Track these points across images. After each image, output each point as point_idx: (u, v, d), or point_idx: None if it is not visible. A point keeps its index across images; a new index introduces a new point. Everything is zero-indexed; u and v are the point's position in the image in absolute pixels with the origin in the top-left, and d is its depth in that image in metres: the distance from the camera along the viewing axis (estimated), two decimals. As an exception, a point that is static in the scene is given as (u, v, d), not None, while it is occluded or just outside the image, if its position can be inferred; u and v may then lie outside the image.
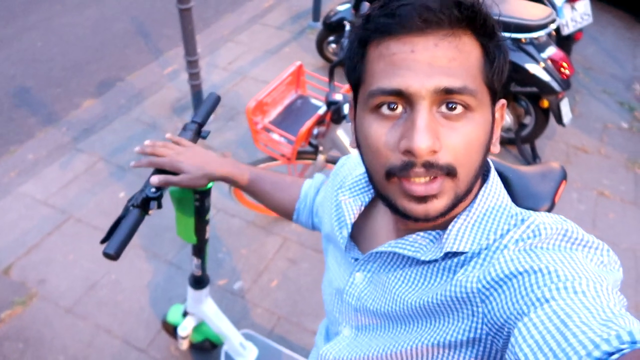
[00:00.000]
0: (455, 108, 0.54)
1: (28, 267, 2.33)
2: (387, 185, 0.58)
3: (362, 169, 0.76)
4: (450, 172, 0.55)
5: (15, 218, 2.54)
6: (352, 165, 0.82)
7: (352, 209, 0.73)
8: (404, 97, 0.54)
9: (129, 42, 4.06)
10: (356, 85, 0.61)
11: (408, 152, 0.53)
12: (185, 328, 1.74)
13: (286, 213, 1.03)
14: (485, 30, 0.55)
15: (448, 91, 0.53)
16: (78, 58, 3.84)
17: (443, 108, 0.54)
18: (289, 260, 2.43)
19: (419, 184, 0.55)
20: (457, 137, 0.54)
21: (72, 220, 2.55)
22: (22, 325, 2.10)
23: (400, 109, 0.55)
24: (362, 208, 0.74)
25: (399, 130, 0.55)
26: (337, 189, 0.80)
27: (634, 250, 2.60)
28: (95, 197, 2.68)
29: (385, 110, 0.56)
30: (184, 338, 1.80)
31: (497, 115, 0.62)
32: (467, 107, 0.54)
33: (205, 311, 1.69)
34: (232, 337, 1.80)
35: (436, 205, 0.56)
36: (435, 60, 0.52)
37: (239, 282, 2.33)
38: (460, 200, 0.58)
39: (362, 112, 0.59)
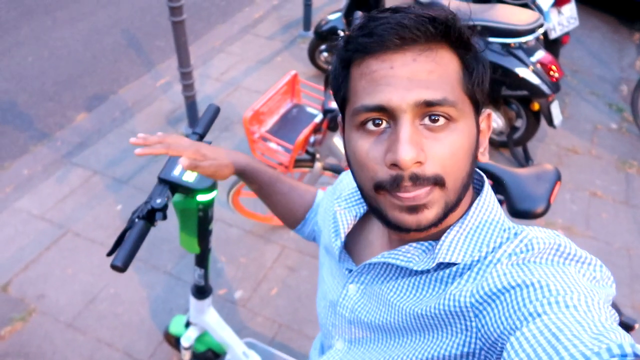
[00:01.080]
0: (437, 120, 0.55)
1: (26, 283, 2.32)
2: (377, 198, 0.59)
3: None
4: (437, 182, 0.56)
5: (11, 234, 2.53)
6: (350, 179, 0.83)
7: (346, 219, 0.74)
8: (387, 112, 0.55)
9: (120, 55, 4.07)
10: (342, 104, 0.63)
11: (394, 165, 0.55)
12: (189, 338, 1.74)
13: (294, 219, 1.00)
14: (461, 42, 0.57)
15: (428, 104, 0.54)
16: (70, 72, 3.84)
17: (426, 120, 0.56)
18: (288, 268, 2.44)
19: (408, 194, 0.56)
20: (441, 148, 0.55)
21: (69, 234, 2.55)
22: (22, 341, 2.09)
23: (384, 124, 0.57)
24: (357, 219, 0.75)
25: (384, 144, 0.56)
26: (335, 200, 0.80)
27: (628, 249, 2.64)
28: (92, 210, 2.68)
29: (370, 126, 0.57)
30: (186, 349, 1.80)
31: (482, 125, 0.63)
32: (449, 119, 0.56)
33: (208, 321, 1.70)
34: (235, 346, 1.80)
35: (427, 215, 0.57)
36: (414, 75, 0.54)
37: (239, 291, 2.33)
38: (451, 209, 0.59)
39: (349, 130, 0.61)
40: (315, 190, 1.01)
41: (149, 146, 0.90)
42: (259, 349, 1.93)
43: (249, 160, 0.97)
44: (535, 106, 2.83)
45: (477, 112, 0.60)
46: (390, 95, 0.54)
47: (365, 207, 0.75)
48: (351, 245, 0.77)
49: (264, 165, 0.99)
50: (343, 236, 0.73)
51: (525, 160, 3.13)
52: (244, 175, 0.97)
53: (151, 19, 4.55)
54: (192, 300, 1.63)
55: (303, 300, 2.30)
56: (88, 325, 2.16)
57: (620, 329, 0.46)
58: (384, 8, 0.58)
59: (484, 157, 0.64)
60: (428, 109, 0.55)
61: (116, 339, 2.12)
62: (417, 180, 0.55)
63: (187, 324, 1.80)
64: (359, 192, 0.75)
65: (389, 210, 0.59)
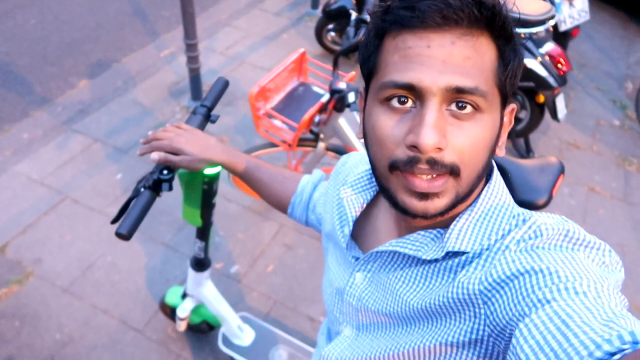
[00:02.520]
0: (464, 107, 0.54)
1: (24, 247, 2.32)
2: (389, 178, 0.58)
3: (365, 167, 0.76)
4: (453, 171, 0.55)
5: (10, 197, 2.53)
6: (354, 162, 0.82)
7: (354, 206, 0.72)
8: (415, 92, 0.54)
9: (125, 22, 4.01)
10: (369, 75, 0.61)
11: (414, 147, 0.54)
12: (185, 309, 1.76)
13: (281, 205, 1.02)
14: (503, 32, 0.55)
15: (459, 90, 0.53)
16: (73, 37, 3.79)
17: (453, 106, 0.54)
18: (285, 246, 2.45)
19: (422, 180, 0.55)
20: (463, 137, 0.54)
21: (68, 200, 2.55)
22: (18, 303, 2.11)
23: (410, 103, 0.55)
24: (364, 205, 0.73)
25: (407, 124, 0.55)
26: (340, 186, 0.79)
27: (622, 246, 2.67)
28: (91, 178, 2.67)
29: (395, 103, 0.56)
30: (182, 319, 1.82)
31: (505, 119, 0.62)
32: (476, 108, 0.54)
33: (205, 293, 1.71)
34: (230, 319, 1.82)
35: (437, 204, 0.56)
36: (450, 58, 0.52)
37: (235, 266, 2.35)
38: (462, 200, 0.58)
39: (372, 103, 0.59)
40: (299, 176, 1.02)
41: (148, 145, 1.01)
42: (253, 323, 1.96)
43: (228, 155, 1.00)
44: (541, 98, 2.82)
45: (504, 106, 0.59)
46: (423, 75, 0.53)
47: (372, 193, 0.73)
48: (358, 232, 0.75)
49: (244, 155, 1.02)
50: (351, 223, 0.72)
51: (527, 152, 3.14)
52: (225, 167, 1.01)
53: (157, -12, 4.48)
54: (191, 272, 1.64)
55: (299, 278, 2.32)
56: (84, 291, 2.18)
57: (630, 315, 0.45)
58: None
59: (501, 152, 0.62)
60: (457, 95, 0.53)
61: (112, 306, 2.14)
62: (434, 165, 0.54)
63: (184, 295, 1.82)
64: (365, 177, 0.74)
65: (399, 193, 0.58)
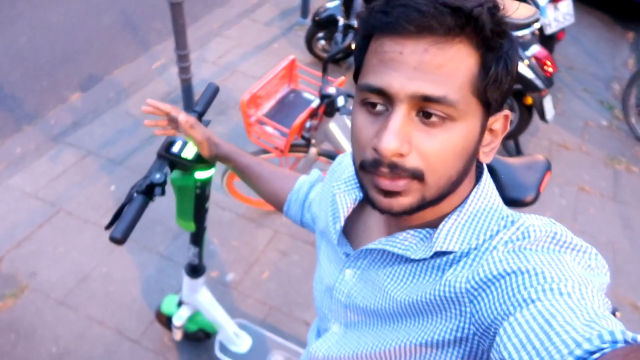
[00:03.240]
0: (431, 116, 0.54)
1: (18, 260, 2.32)
2: (362, 176, 0.60)
3: None
4: (416, 175, 0.55)
5: (4, 211, 2.53)
6: (349, 161, 0.83)
7: (346, 203, 0.73)
8: (386, 97, 0.55)
9: (117, 35, 4.04)
10: (356, 74, 0.62)
11: (375, 150, 0.55)
12: (181, 317, 1.77)
13: (278, 202, 1.04)
14: (482, 39, 0.53)
15: (426, 98, 0.52)
16: (65, 51, 3.80)
17: (421, 114, 0.54)
18: (279, 252, 2.46)
19: (385, 179, 0.56)
20: (430, 143, 0.54)
21: (62, 213, 2.55)
22: (13, 317, 2.10)
23: (381, 107, 0.56)
24: (356, 202, 0.74)
25: (376, 126, 0.56)
26: (334, 183, 0.81)
27: (612, 244, 2.69)
28: (85, 190, 2.68)
29: (370, 106, 0.57)
30: (178, 328, 1.82)
31: (496, 125, 0.61)
32: (445, 117, 0.54)
33: (201, 300, 1.72)
34: (226, 326, 1.83)
35: (401, 202, 0.57)
36: (421, 65, 0.52)
37: (230, 273, 2.35)
38: (430, 203, 0.58)
39: (355, 104, 0.61)
40: (298, 175, 1.04)
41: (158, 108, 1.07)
42: (250, 329, 1.96)
43: (234, 148, 1.06)
44: (529, 100, 2.87)
45: (488, 112, 0.58)
46: (392, 80, 0.53)
47: (363, 193, 0.75)
48: (349, 229, 0.76)
49: (247, 153, 1.06)
50: (343, 220, 0.73)
51: (517, 153, 3.17)
52: (227, 157, 1.05)
53: (149, 0, 4.51)
54: (186, 279, 1.65)
55: (294, 283, 2.33)
56: (79, 303, 2.18)
57: (612, 316, 0.47)
58: None
59: (487, 158, 0.61)
60: (424, 104, 0.53)
61: (107, 317, 2.14)
62: (395, 169, 0.55)
63: (179, 303, 1.82)
64: None
65: (369, 189, 0.59)
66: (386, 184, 0.56)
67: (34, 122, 3.14)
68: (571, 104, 3.73)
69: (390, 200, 0.57)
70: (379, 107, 0.56)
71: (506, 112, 0.61)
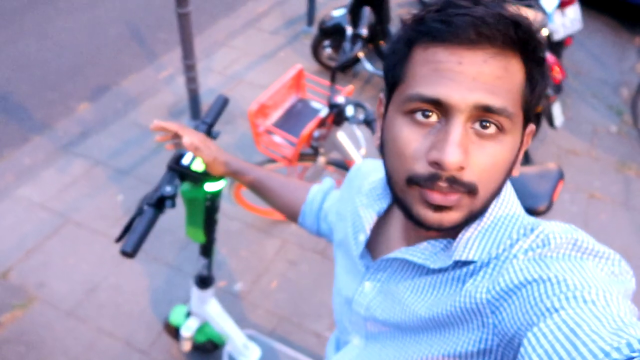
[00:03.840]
0: (488, 127, 0.53)
1: (27, 271, 2.32)
2: (406, 190, 0.58)
3: (378, 174, 0.76)
4: (471, 190, 0.55)
5: (13, 222, 2.54)
6: (367, 169, 0.82)
7: (370, 215, 0.72)
8: (442, 107, 0.53)
9: (124, 46, 4.06)
10: (393, 84, 0.60)
11: (436, 163, 0.53)
12: (189, 328, 1.75)
13: (292, 214, 1.04)
14: (535, 55, 0.54)
15: (487, 109, 0.52)
16: (73, 62, 3.83)
17: (477, 125, 0.54)
18: (288, 262, 2.45)
19: (439, 193, 0.55)
20: (485, 157, 0.54)
21: (70, 223, 2.55)
22: (22, 329, 2.10)
23: (435, 117, 0.54)
24: (381, 213, 0.74)
25: (430, 139, 0.54)
26: (355, 193, 0.80)
27: (625, 250, 2.66)
28: (93, 200, 2.68)
29: (419, 116, 0.55)
30: (186, 339, 1.81)
31: (524, 140, 0.61)
32: (500, 129, 0.54)
33: (210, 311, 1.71)
34: (235, 337, 1.81)
35: (451, 217, 0.56)
36: (480, 76, 0.52)
37: (239, 283, 2.34)
38: (476, 216, 0.58)
39: (394, 113, 0.59)
40: (309, 185, 1.03)
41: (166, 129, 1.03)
42: (259, 340, 1.95)
43: (243, 163, 1.06)
44: (537, 107, 2.85)
45: (525, 125, 0.59)
46: (452, 91, 0.52)
47: (386, 202, 0.73)
48: (369, 241, 0.75)
49: (256, 166, 1.06)
50: (369, 231, 0.72)
51: (525, 160, 3.15)
52: (237, 174, 1.05)
53: (155, 11, 4.55)
54: (195, 290, 1.64)
55: (303, 293, 2.31)
56: (88, 314, 2.17)
57: None
58: None
59: (516, 172, 0.62)
60: (484, 114, 0.53)
61: (116, 328, 2.13)
62: (454, 183, 0.54)
63: (188, 314, 1.81)
64: (379, 186, 0.74)
65: (415, 205, 0.57)
66: (440, 198, 0.55)
67: (42, 132, 3.16)
68: (580, 110, 3.71)
69: (441, 215, 0.56)
70: (430, 119, 0.54)
71: (532, 126, 0.62)
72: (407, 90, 0.56)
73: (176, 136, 1.06)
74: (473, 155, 0.54)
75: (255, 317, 2.21)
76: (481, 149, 0.54)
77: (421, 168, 0.55)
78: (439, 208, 0.56)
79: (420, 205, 0.57)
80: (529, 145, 3.10)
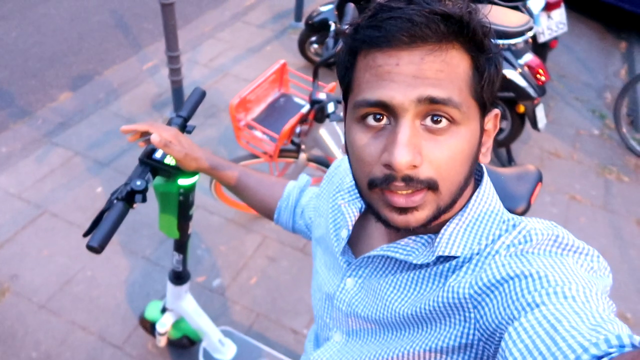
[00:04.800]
0: (440, 121, 0.53)
1: (0, 262, 2.27)
2: (370, 195, 0.59)
3: None
4: (431, 186, 0.55)
5: (-13, 212, 2.48)
6: (347, 167, 0.82)
7: (352, 211, 0.73)
8: (388, 109, 0.54)
9: (107, 35, 3.99)
10: (345, 92, 0.61)
11: (388, 165, 0.53)
12: (164, 324, 1.73)
13: (267, 211, 1.03)
14: (474, 43, 0.54)
15: (432, 100, 0.52)
16: (55, 50, 3.76)
17: (428, 121, 0.54)
18: (268, 258, 2.43)
19: (400, 196, 0.55)
20: (440, 151, 0.54)
21: (47, 215, 2.50)
22: (-7, 321, 2.05)
23: (385, 120, 0.55)
24: (361, 212, 0.74)
25: (382, 142, 0.55)
26: (336, 192, 0.79)
27: (603, 252, 2.69)
28: (71, 192, 2.63)
29: (370, 121, 0.56)
30: (162, 334, 1.79)
31: (489, 125, 0.62)
32: (451, 121, 0.54)
33: (185, 307, 1.69)
34: (211, 333, 1.79)
35: (417, 217, 0.56)
36: (420, 73, 0.52)
37: (217, 279, 2.32)
38: (444, 211, 0.58)
39: (350, 121, 0.59)
40: (285, 182, 1.03)
41: (135, 130, 0.99)
42: (235, 337, 1.93)
43: (218, 159, 1.02)
44: (521, 108, 2.86)
45: (484, 113, 0.59)
46: (394, 92, 0.53)
47: None
48: (351, 237, 0.76)
49: (231, 163, 1.03)
50: (351, 227, 0.72)
51: (509, 161, 3.17)
52: (212, 170, 1.01)
53: (141, 0, 4.47)
54: (170, 286, 1.61)
55: (282, 290, 2.30)
56: (62, 307, 2.13)
57: (618, 320, 0.46)
58: None
59: (485, 158, 0.62)
60: (431, 107, 0.53)
61: (91, 322, 2.09)
62: (410, 182, 0.54)
63: (163, 310, 1.79)
64: None
65: (380, 208, 0.58)
66: (402, 201, 0.55)
67: (21, 121, 3.09)
68: (563, 113, 3.74)
69: (407, 216, 0.56)
70: (381, 122, 0.55)
71: (496, 111, 0.63)
72: (355, 98, 0.57)
73: (147, 134, 1.03)
74: (427, 151, 0.54)
75: (233, 313, 2.19)
76: (435, 143, 0.54)
77: (378, 171, 0.56)
78: (404, 210, 0.56)
79: (386, 209, 0.57)
80: (512, 146, 3.13)
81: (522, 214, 1.48)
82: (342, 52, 0.60)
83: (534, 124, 2.90)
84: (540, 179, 1.54)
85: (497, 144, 3.10)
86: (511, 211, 1.47)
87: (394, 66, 0.53)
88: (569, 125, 3.63)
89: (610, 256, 2.68)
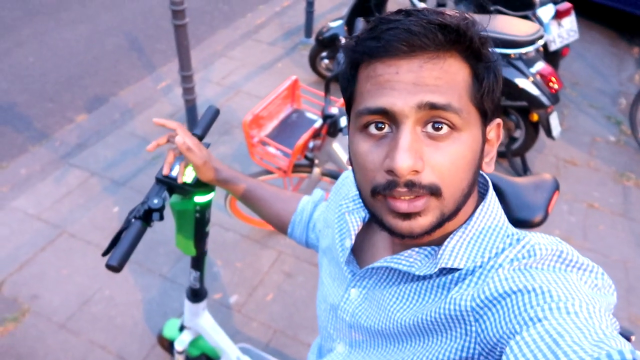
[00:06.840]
0: (441, 128, 0.54)
1: (20, 283, 2.30)
2: (373, 202, 0.59)
3: None
4: (434, 191, 0.55)
5: (7, 233, 2.52)
6: (354, 179, 0.83)
7: (356, 220, 0.73)
8: (390, 117, 0.55)
9: (122, 57, 4.08)
10: (349, 104, 0.63)
11: (390, 171, 0.54)
12: (183, 342, 1.73)
13: (282, 225, 1.04)
14: (472, 52, 0.55)
15: (432, 106, 0.53)
16: (71, 73, 3.84)
17: (429, 128, 0.55)
18: (284, 274, 2.43)
19: (403, 201, 0.56)
20: (441, 157, 0.55)
21: (65, 235, 2.54)
22: (14, 341, 2.07)
23: (386, 128, 0.56)
24: (365, 221, 0.74)
25: (384, 149, 0.56)
26: (341, 201, 0.80)
27: (624, 262, 2.63)
28: (89, 212, 2.67)
29: (372, 129, 0.57)
30: (180, 353, 1.78)
31: (491, 134, 0.63)
32: (452, 127, 0.55)
33: (203, 325, 1.68)
34: (229, 351, 1.79)
35: (420, 223, 0.57)
36: (419, 80, 0.53)
37: (234, 295, 2.32)
38: (448, 218, 0.58)
39: (353, 131, 0.61)
40: (300, 196, 1.04)
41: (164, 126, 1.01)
42: (253, 354, 1.92)
43: (234, 172, 1.04)
44: (534, 117, 2.84)
45: (485, 122, 0.60)
46: (394, 99, 0.54)
47: None
48: (356, 247, 0.76)
49: (247, 176, 1.05)
50: (354, 237, 0.73)
51: (524, 170, 3.14)
52: (227, 183, 1.03)
53: (153, 22, 4.57)
54: (187, 304, 1.61)
55: (299, 306, 2.29)
56: (81, 327, 2.15)
57: (620, 336, 0.45)
58: (397, 10, 0.57)
59: (489, 168, 0.62)
60: (431, 113, 0.54)
61: (109, 341, 2.10)
62: (413, 187, 0.54)
63: (181, 328, 1.79)
64: None
65: (383, 215, 0.59)
66: (404, 206, 0.56)
67: (39, 143, 3.16)
68: (578, 120, 3.70)
69: (410, 222, 0.57)
70: (383, 130, 0.56)
71: (498, 120, 0.63)
72: (357, 107, 0.59)
73: (172, 137, 1.04)
74: (429, 157, 0.55)
75: (250, 330, 2.19)
76: (437, 149, 0.55)
77: (380, 178, 0.57)
78: (407, 216, 0.56)
79: (389, 215, 0.58)
80: (527, 155, 3.10)
81: (540, 223, 1.46)
82: (344, 65, 0.62)
83: (549, 132, 2.88)
84: (557, 187, 1.52)
85: (512, 153, 3.07)
86: (529, 221, 1.46)
87: (394, 75, 0.54)
88: (584, 132, 3.59)
89: (632, 265, 2.62)
